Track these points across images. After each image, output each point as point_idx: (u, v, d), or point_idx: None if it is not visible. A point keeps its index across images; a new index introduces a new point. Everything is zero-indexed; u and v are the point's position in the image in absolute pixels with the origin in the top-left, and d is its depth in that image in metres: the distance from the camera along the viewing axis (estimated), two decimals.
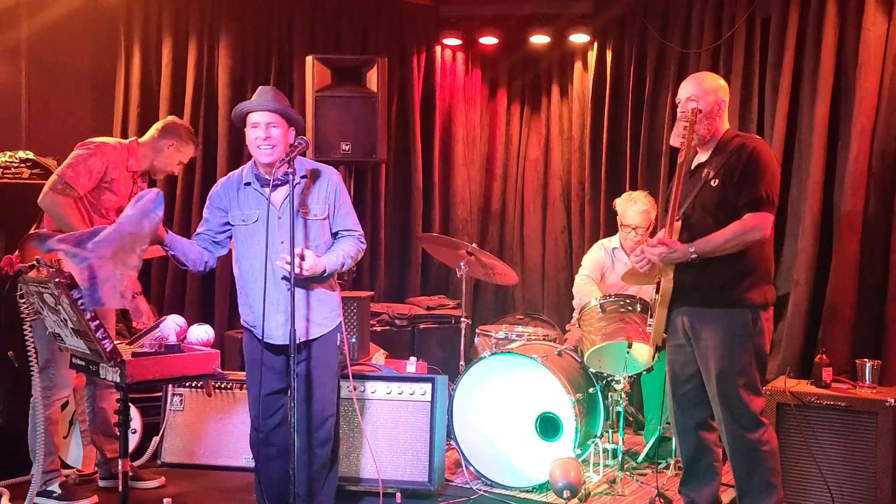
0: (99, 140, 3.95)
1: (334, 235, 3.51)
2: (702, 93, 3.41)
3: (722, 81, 3.49)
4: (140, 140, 4.08)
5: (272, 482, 3.44)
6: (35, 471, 3.58)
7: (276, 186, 3.37)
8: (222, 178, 3.53)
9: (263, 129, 3.32)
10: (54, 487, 3.91)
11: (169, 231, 3.36)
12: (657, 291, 3.48)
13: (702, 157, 3.48)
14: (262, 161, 3.37)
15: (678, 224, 3.35)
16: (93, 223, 3.76)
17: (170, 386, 4.50)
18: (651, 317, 3.60)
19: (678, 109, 3.47)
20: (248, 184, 3.43)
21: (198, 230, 3.51)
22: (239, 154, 5.57)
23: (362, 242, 3.56)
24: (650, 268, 3.44)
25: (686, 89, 3.45)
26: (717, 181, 3.33)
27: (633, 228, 4.72)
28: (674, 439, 4.49)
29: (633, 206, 4.74)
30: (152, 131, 4.10)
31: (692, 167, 3.49)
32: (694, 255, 3.27)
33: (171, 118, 4.22)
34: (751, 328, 3.36)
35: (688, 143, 3.31)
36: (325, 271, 3.36)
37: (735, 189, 3.30)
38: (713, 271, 3.33)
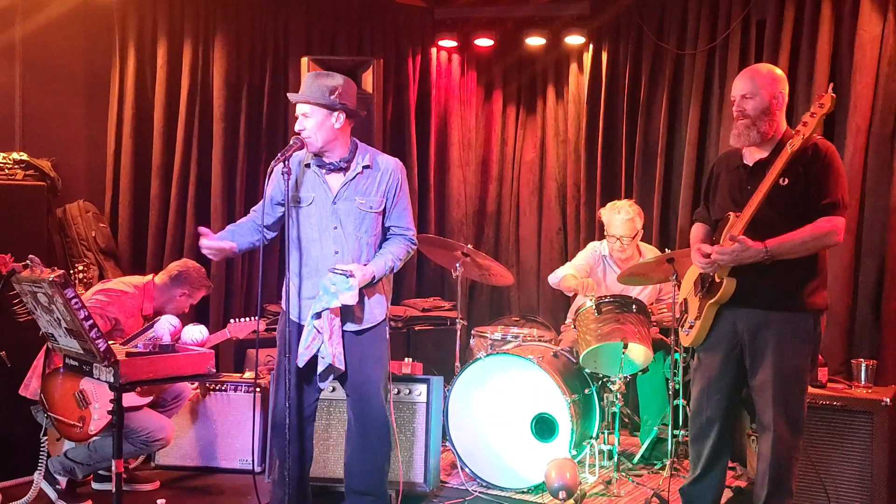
0: (119, 289, 4.01)
1: (386, 230, 3.50)
2: (756, 87, 3.26)
3: (780, 72, 3.31)
4: (156, 280, 4.14)
5: (294, 481, 3.42)
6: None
7: (330, 171, 3.40)
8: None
9: (299, 120, 3.35)
10: (62, 480, 3.94)
11: (229, 241, 3.42)
12: (707, 290, 3.35)
13: (757, 153, 3.34)
14: (308, 150, 3.39)
15: (738, 222, 3.23)
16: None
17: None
18: (690, 317, 3.48)
19: (733, 108, 3.31)
20: (307, 165, 3.44)
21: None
22: (234, 157, 5.57)
23: (413, 243, 3.53)
24: (713, 268, 3.29)
25: (739, 86, 3.30)
26: (786, 180, 3.20)
27: (618, 238, 4.71)
28: (670, 441, 4.48)
29: (617, 216, 4.73)
30: (164, 276, 4.17)
31: (751, 164, 3.34)
32: (767, 256, 3.16)
33: (182, 263, 4.26)
34: (812, 333, 3.29)
35: (806, 137, 3.10)
36: (374, 278, 3.37)
37: (809, 191, 3.20)
38: (778, 273, 3.22)
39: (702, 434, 3.51)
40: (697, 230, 3.63)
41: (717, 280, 3.30)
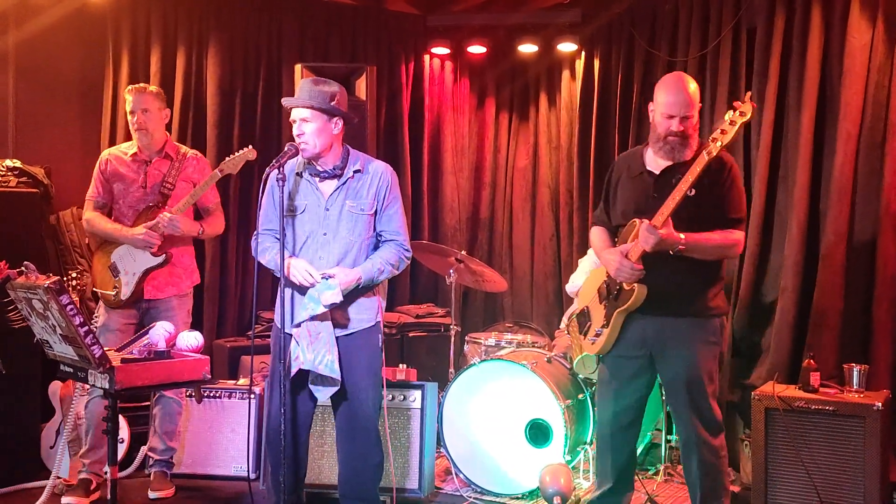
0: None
1: (379, 236, 3.50)
2: (692, 106, 3.32)
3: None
4: None
5: (288, 488, 3.41)
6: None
7: (323, 178, 3.40)
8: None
9: (298, 125, 3.35)
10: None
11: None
12: (616, 297, 3.38)
13: (662, 161, 3.39)
14: (302, 156, 3.39)
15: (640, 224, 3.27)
16: (118, 219, 4.24)
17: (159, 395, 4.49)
18: (596, 325, 3.49)
19: (673, 126, 3.30)
20: (299, 174, 3.44)
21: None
22: None
23: (406, 250, 3.52)
24: (636, 276, 3.30)
25: (679, 103, 3.29)
26: (693, 191, 3.25)
27: None
28: (663, 446, 4.50)
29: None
30: None
31: (657, 172, 3.39)
32: (682, 248, 3.20)
33: None
34: (718, 335, 3.40)
35: (725, 144, 3.15)
36: (360, 281, 3.35)
37: (716, 203, 3.30)
38: (685, 279, 3.31)
39: (611, 444, 3.55)
40: (602, 234, 3.62)
41: (627, 288, 3.31)
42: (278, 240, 3.38)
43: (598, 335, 3.48)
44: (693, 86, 3.36)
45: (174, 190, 4.22)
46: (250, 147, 4.21)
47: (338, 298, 3.27)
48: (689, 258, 3.26)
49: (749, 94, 3.27)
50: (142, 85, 4.35)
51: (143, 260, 4.13)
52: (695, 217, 3.26)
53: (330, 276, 3.29)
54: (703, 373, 3.33)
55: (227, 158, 4.22)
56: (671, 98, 3.33)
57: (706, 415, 3.34)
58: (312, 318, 3.30)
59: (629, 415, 3.51)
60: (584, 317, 3.66)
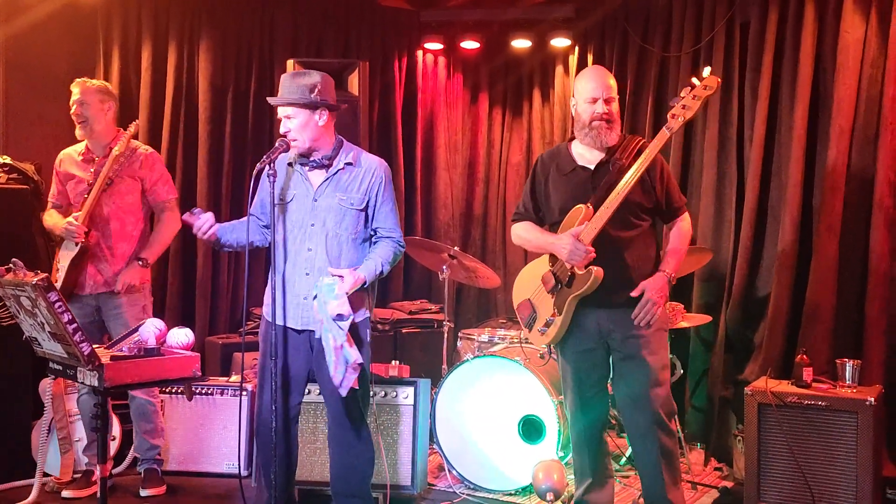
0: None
1: (374, 233, 3.48)
2: (615, 89, 3.40)
3: None
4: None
5: (279, 484, 3.40)
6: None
7: (313, 168, 3.39)
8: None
9: (283, 122, 3.35)
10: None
11: (217, 226, 3.41)
12: (568, 284, 3.33)
13: (590, 154, 3.42)
14: (296, 152, 3.39)
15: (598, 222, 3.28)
16: (67, 213, 4.16)
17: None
18: (545, 315, 3.47)
19: (598, 108, 3.34)
20: (291, 164, 3.44)
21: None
22: (219, 159, 5.55)
23: (401, 246, 3.51)
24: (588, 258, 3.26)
25: (603, 87, 3.35)
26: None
27: None
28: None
29: None
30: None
31: (591, 167, 3.41)
32: (674, 277, 3.34)
33: None
34: (667, 322, 3.48)
35: (687, 120, 3.21)
36: (365, 283, 3.34)
37: (655, 193, 3.36)
38: (631, 270, 3.34)
39: (585, 439, 3.53)
40: (534, 226, 3.58)
41: (582, 272, 3.28)
42: (259, 227, 3.52)
43: (548, 325, 3.45)
44: (613, 79, 3.43)
45: (113, 186, 4.12)
46: (135, 122, 4.22)
47: (344, 309, 3.21)
48: (637, 249, 3.35)
49: (710, 68, 3.29)
50: (84, 79, 4.24)
51: (69, 251, 4.07)
52: (640, 206, 3.33)
53: (340, 276, 3.25)
54: (662, 359, 3.38)
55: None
56: (592, 83, 3.39)
57: (666, 401, 3.37)
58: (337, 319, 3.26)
59: (596, 406, 3.51)
60: (525, 310, 3.62)
